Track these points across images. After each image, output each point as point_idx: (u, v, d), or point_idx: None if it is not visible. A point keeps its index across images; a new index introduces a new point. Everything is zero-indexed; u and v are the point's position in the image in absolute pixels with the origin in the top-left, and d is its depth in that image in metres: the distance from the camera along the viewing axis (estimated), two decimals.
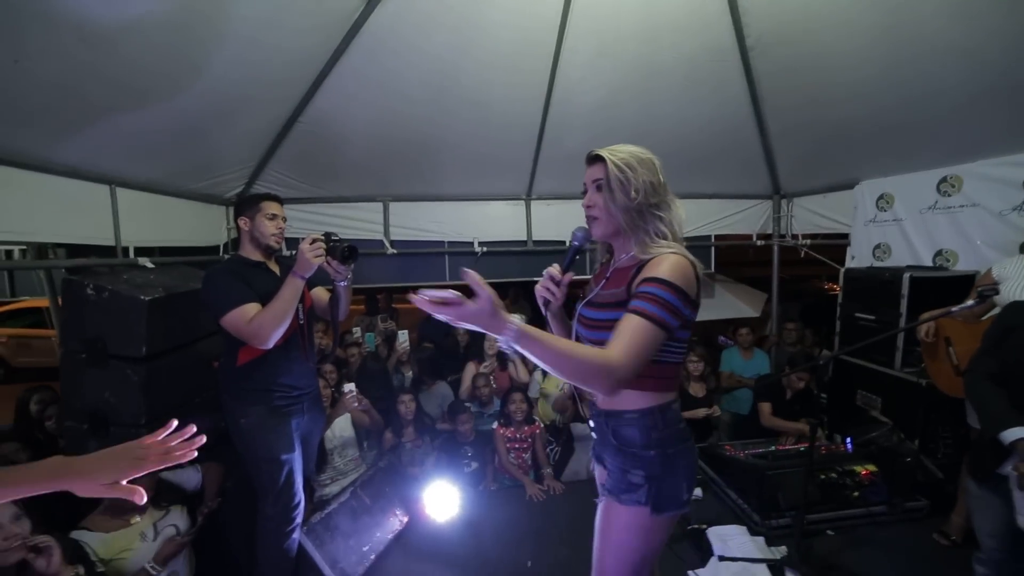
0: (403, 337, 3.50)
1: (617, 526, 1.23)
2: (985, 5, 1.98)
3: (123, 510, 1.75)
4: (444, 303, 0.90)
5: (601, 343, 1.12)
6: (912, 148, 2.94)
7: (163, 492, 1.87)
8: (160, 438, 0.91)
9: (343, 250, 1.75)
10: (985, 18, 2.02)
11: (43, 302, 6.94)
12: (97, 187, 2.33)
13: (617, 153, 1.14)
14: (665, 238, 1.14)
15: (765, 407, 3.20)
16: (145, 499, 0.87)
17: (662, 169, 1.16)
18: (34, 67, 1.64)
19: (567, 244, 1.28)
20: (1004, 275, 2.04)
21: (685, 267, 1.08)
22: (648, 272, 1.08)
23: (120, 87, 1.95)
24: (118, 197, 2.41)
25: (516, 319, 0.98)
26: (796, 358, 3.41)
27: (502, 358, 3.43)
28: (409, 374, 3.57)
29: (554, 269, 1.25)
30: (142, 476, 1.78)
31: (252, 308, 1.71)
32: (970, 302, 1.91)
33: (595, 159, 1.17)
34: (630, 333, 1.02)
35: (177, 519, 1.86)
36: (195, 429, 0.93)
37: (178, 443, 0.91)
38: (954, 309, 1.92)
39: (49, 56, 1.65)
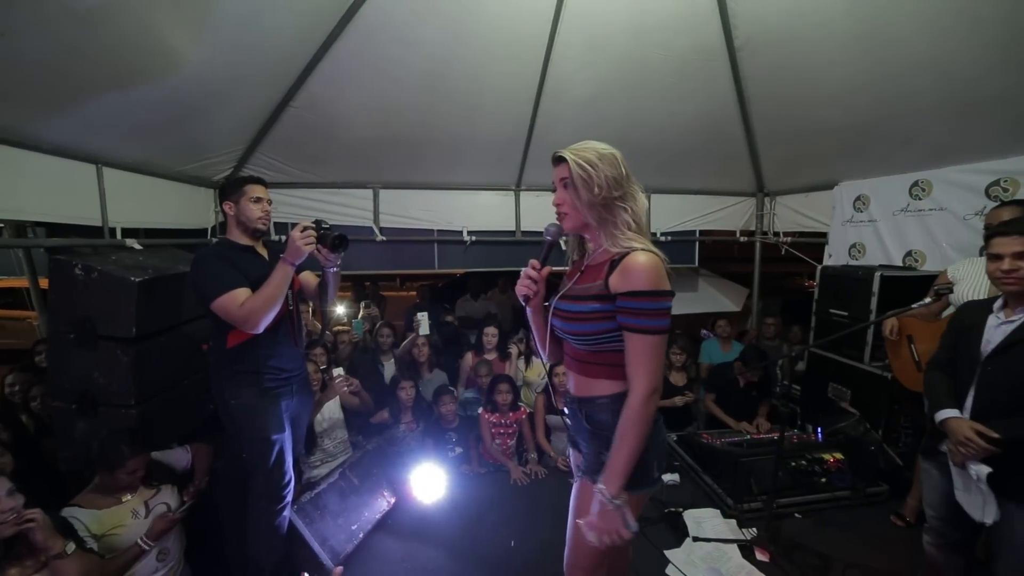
0: (422, 317, 3.33)
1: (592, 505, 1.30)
2: (951, 23, 2.08)
3: (114, 489, 1.77)
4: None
5: (576, 333, 1.25)
6: (887, 152, 3.05)
7: (153, 472, 1.89)
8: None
9: (333, 239, 1.77)
10: (951, 35, 2.13)
11: (17, 282, 6.73)
12: (84, 166, 2.30)
13: (579, 152, 1.19)
14: (631, 228, 1.20)
15: (708, 396, 3.53)
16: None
17: (624, 161, 1.21)
18: (18, 41, 1.61)
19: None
20: (958, 276, 2.18)
21: (657, 266, 1.15)
22: (628, 282, 1.14)
23: (107, 66, 1.93)
24: (105, 177, 2.39)
25: (603, 488, 1.18)
26: (747, 353, 3.51)
27: (502, 350, 3.46)
28: (392, 364, 3.54)
29: (531, 267, 1.30)
30: (137, 455, 1.81)
31: (243, 293, 1.72)
32: (927, 300, 2.03)
33: (560, 159, 1.22)
34: (642, 355, 1.15)
35: (168, 497, 1.89)
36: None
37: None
38: (914, 307, 2.04)
39: (33, 31, 1.62)
